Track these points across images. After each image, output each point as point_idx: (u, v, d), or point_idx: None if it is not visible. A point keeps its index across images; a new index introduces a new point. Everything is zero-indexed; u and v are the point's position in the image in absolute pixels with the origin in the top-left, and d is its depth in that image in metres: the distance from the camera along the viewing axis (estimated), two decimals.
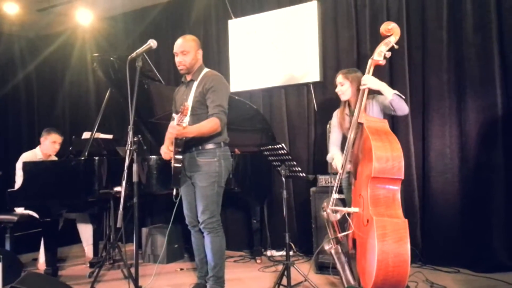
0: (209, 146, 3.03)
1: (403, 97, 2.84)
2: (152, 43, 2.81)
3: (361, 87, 2.81)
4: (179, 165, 2.93)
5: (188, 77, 3.11)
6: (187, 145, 2.97)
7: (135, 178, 2.66)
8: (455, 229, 3.72)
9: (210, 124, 2.92)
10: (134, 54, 2.77)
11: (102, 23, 5.69)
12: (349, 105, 3.08)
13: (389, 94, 2.78)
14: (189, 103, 2.96)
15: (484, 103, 3.63)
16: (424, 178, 3.89)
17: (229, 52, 4.93)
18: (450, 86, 3.79)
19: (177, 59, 3.03)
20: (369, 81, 2.80)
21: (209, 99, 2.98)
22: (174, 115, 3.18)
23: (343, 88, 3.06)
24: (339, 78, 3.09)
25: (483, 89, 3.64)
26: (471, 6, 3.69)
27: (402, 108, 2.81)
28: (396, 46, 2.80)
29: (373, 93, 2.96)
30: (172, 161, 2.98)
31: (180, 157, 2.93)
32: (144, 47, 2.79)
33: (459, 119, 3.75)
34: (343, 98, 3.09)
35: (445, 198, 3.78)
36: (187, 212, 3.16)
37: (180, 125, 2.72)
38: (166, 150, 3.08)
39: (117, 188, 3.50)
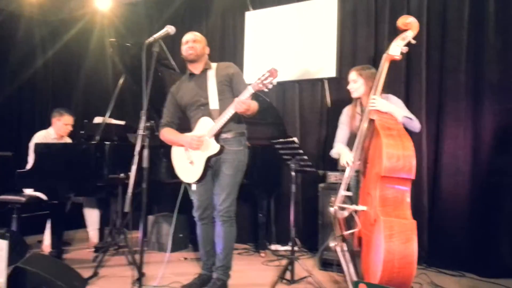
0: (236, 134, 3.04)
1: (413, 118, 2.80)
2: (170, 29, 2.79)
3: (370, 108, 2.74)
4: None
5: (198, 68, 3.09)
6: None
7: (145, 164, 2.65)
8: (463, 232, 3.68)
9: (257, 106, 2.97)
10: (151, 39, 2.76)
11: (122, 9, 5.69)
12: (361, 104, 3.04)
13: (399, 117, 2.74)
14: (214, 88, 2.99)
15: (501, 107, 3.57)
16: (434, 180, 3.85)
17: (245, 44, 4.91)
18: (468, 88, 3.73)
19: (187, 45, 3.03)
20: (380, 103, 2.73)
21: (239, 84, 3.01)
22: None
23: (356, 85, 3.02)
24: (353, 75, 3.04)
25: (501, 93, 3.58)
26: (493, 8, 3.62)
27: (413, 128, 2.80)
28: (413, 41, 2.74)
29: (386, 92, 2.92)
30: (209, 151, 2.94)
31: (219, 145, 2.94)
32: (161, 33, 2.77)
33: (475, 122, 3.69)
34: (355, 95, 3.05)
35: (454, 200, 3.74)
36: (200, 204, 3.14)
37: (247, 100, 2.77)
38: (200, 139, 2.96)
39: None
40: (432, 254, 3.78)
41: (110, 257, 3.98)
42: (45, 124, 4.52)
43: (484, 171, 3.63)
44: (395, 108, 2.77)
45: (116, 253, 4.10)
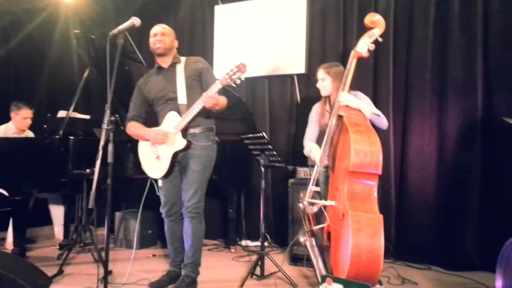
0: (204, 129, 2.99)
1: (380, 115, 2.82)
2: (135, 21, 2.72)
3: (340, 104, 2.74)
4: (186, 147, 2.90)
5: (167, 62, 3.03)
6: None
7: (110, 159, 2.58)
8: (429, 227, 3.76)
9: (226, 101, 2.93)
10: (115, 31, 2.67)
11: (88, 0, 5.53)
12: (329, 101, 3.05)
13: (367, 114, 2.76)
14: (182, 82, 2.93)
15: (465, 104, 3.66)
16: (401, 175, 3.92)
17: (214, 39, 4.86)
18: (433, 85, 3.81)
19: (155, 38, 2.97)
20: (348, 99, 2.74)
21: (209, 79, 2.95)
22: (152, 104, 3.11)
23: (324, 83, 3.03)
24: (320, 73, 3.04)
25: (464, 90, 3.67)
26: (458, 6, 3.70)
27: (380, 125, 2.82)
28: (380, 39, 2.76)
29: (355, 89, 2.95)
30: (175, 146, 2.89)
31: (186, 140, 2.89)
32: (126, 24, 2.69)
33: (440, 119, 3.77)
34: (324, 93, 3.05)
35: (421, 196, 3.82)
36: (167, 200, 3.09)
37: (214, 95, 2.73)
38: (165, 135, 2.92)
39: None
40: (400, 248, 3.85)
41: (76, 255, 3.89)
42: (7, 118, 4.36)
43: (449, 167, 3.71)
44: (363, 104, 2.79)
45: (82, 250, 4.01)
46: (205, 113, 2.93)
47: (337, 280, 2.32)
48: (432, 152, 3.79)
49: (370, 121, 2.74)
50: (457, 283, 3.28)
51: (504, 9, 3.53)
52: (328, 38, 4.34)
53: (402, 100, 3.94)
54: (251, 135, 3.30)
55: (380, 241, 2.34)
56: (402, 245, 3.85)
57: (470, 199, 3.60)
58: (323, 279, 2.36)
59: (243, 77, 2.68)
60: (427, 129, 3.82)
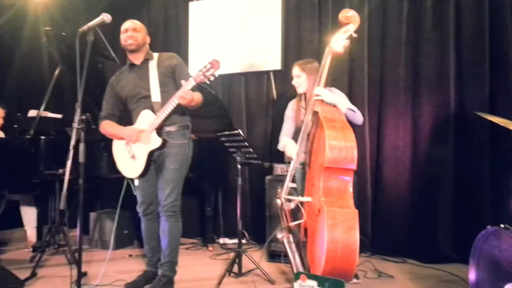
0: (180, 127, 2.95)
1: (356, 110, 2.84)
2: (106, 17, 2.66)
3: (315, 98, 2.74)
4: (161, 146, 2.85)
5: (139, 58, 2.97)
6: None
7: (81, 159, 2.52)
8: (404, 221, 3.81)
9: (201, 97, 2.89)
10: (85, 27, 2.62)
11: None
12: (305, 98, 3.05)
13: (343, 109, 2.77)
14: (156, 79, 2.89)
15: (438, 100, 3.71)
16: (377, 171, 3.96)
17: (189, 35, 4.81)
18: (407, 81, 3.85)
19: (126, 34, 2.90)
20: (324, 94, 2.74)
21: (182, 75, 2.89)
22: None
23: (300, 80, 3.03)
24: (296, 70, 3.04)
25: (437, 86, 3.72)
26: (431, 3, 3.74)
27: (355, 120, 2.83)
28: (354, 35, 2.76)
29: (330, 85, 2.95)
30: (150, 145, 2.84)
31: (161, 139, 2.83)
32: (96, 21, 2.64)
33: (413, 115, 3.82)
34: (300, 90, 3.06)
35: (396, 190, 3.86)
36: (144, 199, 3.05)
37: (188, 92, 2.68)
38: (139, 133, 2.87)
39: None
40: (376, 242, 3.89)
41: (49, 257, 3.81)
42: None
43: (423, 161, 3.76)
44: (339, 99, 2.80)
45: (56, 252, 3.92)
46: (180, 110, 2.89)
47: (311, 276, 2.32)
48: (406, 147, 3.83)
49: (346, 116, 2.75)
50: (432, 275, 3.33)
51: (476, 5, 3.59)
52: (303, 34, 4.34)
53: (376, 96, 3.97)
54: (227, 133, 3.28)
55: (355, 236, 2.35)
56: (378, 239, 3.89)
57: (444, 193, 3.66)
58: (297, 276, 2.36)
59: (216, 73, 2.66)
60: (401, 124, 3.86)
